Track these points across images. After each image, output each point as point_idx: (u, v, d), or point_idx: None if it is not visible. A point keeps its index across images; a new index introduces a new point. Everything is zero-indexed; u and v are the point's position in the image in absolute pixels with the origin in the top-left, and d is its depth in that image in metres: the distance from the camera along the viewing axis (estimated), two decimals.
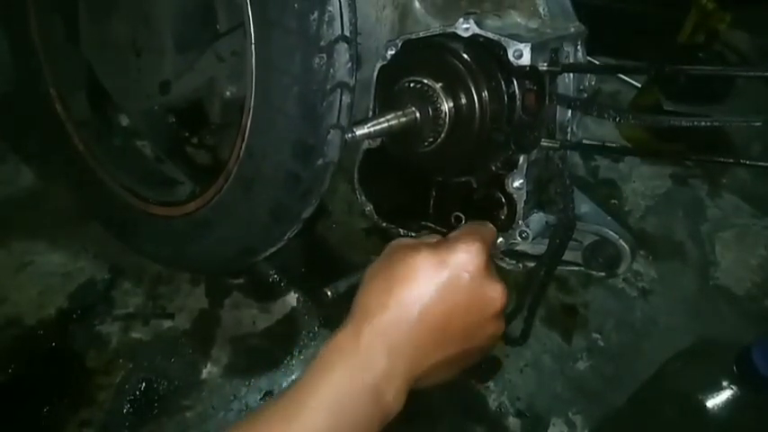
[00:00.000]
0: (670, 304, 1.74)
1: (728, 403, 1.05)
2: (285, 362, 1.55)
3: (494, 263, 0.79)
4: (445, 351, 0.70)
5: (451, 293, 0.68)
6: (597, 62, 1.55)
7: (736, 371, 1.04)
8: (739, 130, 1.94)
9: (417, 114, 0.78)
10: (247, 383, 1.50)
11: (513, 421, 1.49)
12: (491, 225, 0.85)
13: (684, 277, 1.82)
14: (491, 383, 1.53)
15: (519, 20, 0.92)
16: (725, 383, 1.05)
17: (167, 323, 1.61)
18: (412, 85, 0.79)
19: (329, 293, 0.79)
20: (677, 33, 1.67)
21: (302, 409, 0.62)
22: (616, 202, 1.98)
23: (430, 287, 0.68)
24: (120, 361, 1.52)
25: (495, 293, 0.71)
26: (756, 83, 1.82)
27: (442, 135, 0.79)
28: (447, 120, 0.78)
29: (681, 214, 1.97)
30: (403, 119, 0.77)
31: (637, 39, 1.65)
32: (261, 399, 1.47)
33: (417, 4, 1.03)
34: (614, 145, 0.95)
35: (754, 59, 1.73)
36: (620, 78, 2.24)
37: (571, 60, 0.92)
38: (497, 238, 0.87)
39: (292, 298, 1.67)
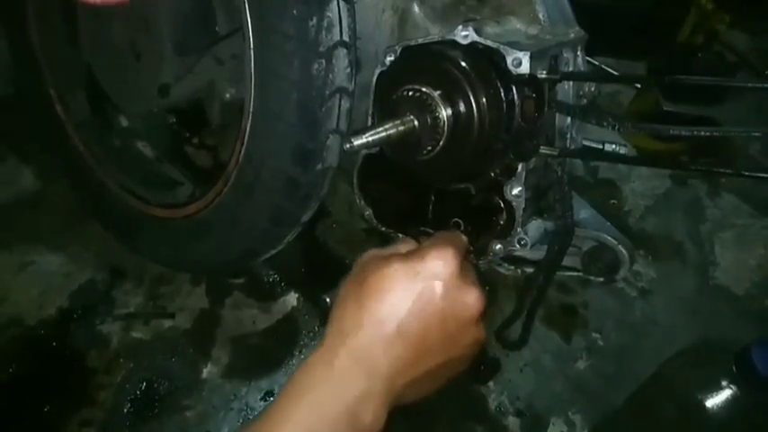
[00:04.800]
0: (670, 304, 1.74)
1: (727, 403, 1.06)
2: (285, 361, 1.55)
3: (472, 269, 0.77)
4: (426, 364, 0.68)
5: (427, 304, 0.67)
6: (597, 63, 1.54)
7: (735, 370, 1.05)
8: None
9: (416, 123, 0.78)
10: (248, 383, 1.51)
11: (512, 421, 1.49)
12: (461, 235, 0.84)
13: (684, 277, 1.82)
14: (491, 383, 1.54)
15: (519, 26, 0.91)
16: (724, 383, 1.06)
17: (168, 323, 1.61)
18: (410, 93, 0.78)
19: (328, 300, 0.80)
20: (677, 33, 1.66)
21: None
22: (615, 202, 1.98)
23: (404, 300, 0.66)
24: (121, 360, 1.53)
25: (471, 299, 0.69)
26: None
27: (441, 143, 0.78)
28: (445, 128, 0.78)
29: (680, 214, 1.97)
30: (401, 128, 0.77)
31: (636, 38, 1.64)
32: (261, 398, 1.48)
33: (417, 9, 1.02)
34: (613, 148, 0.95)
35: (754, 60, 1.73)
36: None
37: (571, 66, 0.92)
38: (482, 245, 0.86)
39: (292, 298, 1.67)
